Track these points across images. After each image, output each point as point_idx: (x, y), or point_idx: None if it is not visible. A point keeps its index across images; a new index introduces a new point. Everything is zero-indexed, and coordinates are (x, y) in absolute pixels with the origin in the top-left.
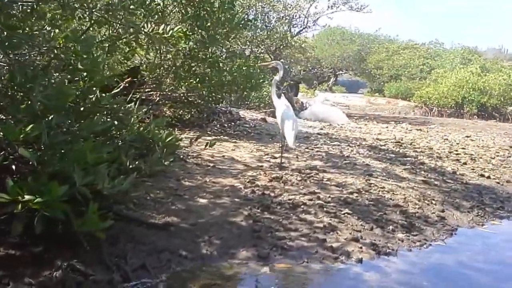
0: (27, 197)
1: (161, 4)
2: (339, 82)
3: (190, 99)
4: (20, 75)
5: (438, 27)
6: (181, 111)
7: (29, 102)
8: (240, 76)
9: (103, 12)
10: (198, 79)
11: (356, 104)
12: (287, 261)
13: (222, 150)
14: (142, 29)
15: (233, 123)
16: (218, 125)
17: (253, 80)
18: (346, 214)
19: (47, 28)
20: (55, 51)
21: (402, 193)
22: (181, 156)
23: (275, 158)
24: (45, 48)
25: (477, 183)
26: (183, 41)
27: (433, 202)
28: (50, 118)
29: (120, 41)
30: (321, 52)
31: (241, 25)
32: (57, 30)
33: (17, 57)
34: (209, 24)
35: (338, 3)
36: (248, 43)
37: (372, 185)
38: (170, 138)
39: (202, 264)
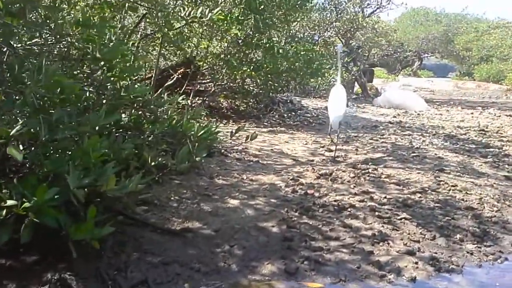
0: (9, 202)
1: None
2: (426, 66)
3: (247, 89)
4: (19, 65)
5: None
6: (238, 101)
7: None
8: (298, 62)
9: None
10: (252, 67)
11: (442, 89)
12: (320, 279)
13: (274, 143)
14: (175, 13)
15: (293, 113)
16: (276, 116)
17: (314, 65)
18: (403, 220)
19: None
20: (70, 39)
21: (478, 193)
22: (222, 151)
23: (331, 151)
24: (58, 37)
25: None
26: (234, 27)
27: None
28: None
29: (172, 31)
30: (404, 34)
31: (297, 6)
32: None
33: (25, 47)
34: (262, 7)
35: None
36: (316, 27)
37: (441, 182)
38: (203, 131)
39: (216, 278)
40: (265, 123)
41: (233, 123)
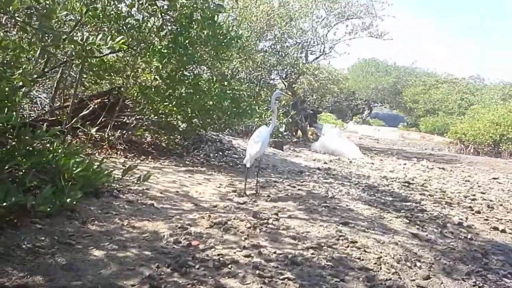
0: None
1: (139, 19)
2: (378, 115)
3: (173, 124)
4: None
5: (479, 63)
6: (161, 137)
7: None
8: (224, 101)
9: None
10: (174, 102)
11: (388, 138)
12: None
13: (184, 184)
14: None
15: (220, 153)
16: (202, 155)
17: (242, 105)
18: (285, 280)
19: None
20: None
21: (377, 251)
22: (114, 191)
23: (242, 196)
24: None
25: (486, 239)
26: (155, 59)
27: (418, 264)
28: None
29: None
30: (355, 83)
31: (223, 44)
32: None
33: None
34: (188, 41)
35: (357, 30)
36: (259, 69)
37: (341, 238)
38: (80, 168)
39: None
40: (186, 162)
41: (151, 160)
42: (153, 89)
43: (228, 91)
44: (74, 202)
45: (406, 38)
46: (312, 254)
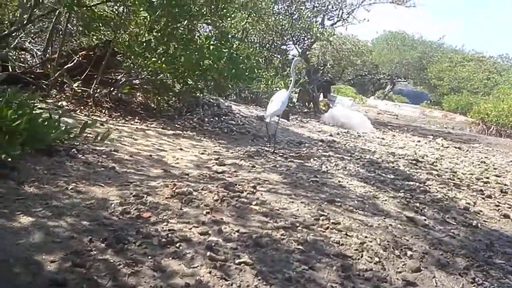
0: None
1: None
2: (403, 91)
3: (165, 84)
4: None
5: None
6: (154, 97)
7: None
8: (219, 60)
9: None
10: (164, 59)
11: (408, 115)
12: None
13: (163, 148)
14: None
15: (216, 118)
16: (195, 119)
17: (243, 67)
18: (242, 265)
19: None
20: None
21: (362, 235)
22: (73, 150)
23: (224, 165)
24: None
25: (493, 228)
26: (142, 9)
27: (409, 253)
28: None
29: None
30: (379, 57)
31: None
32: None
33: None
34: None
35: None
36: (270, 32)
37: (321, 218)
38: (20, 121)
39: None
40: (176, 125)
41: (138, 121)
42: (142, 44)
43: (224, 50)
44: (10, 159)
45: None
46: (282, 235)
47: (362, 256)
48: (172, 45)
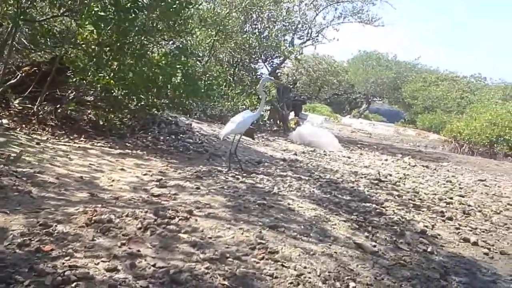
0: None
1: None
2: (380, 111)
3: (118, 101)
4: None
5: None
6: (103, 115)
7: None
8: (174, 77)
9: None
10: (112, 75)
11: (381, 133)
12: None
13: (100, 169)
14: None
15: (173, 136)
16: (150, 137)
17: (201, 84)
18: None
19: None
20: None
21: (301, 266)
22: None
23: (164, 187)
24: None
25: (451, 254)
26: (88, 24)
27: (351, 285)
28: None
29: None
30: (355, 76)
31: (172, 10)
32: None
33: None
34: (129, 4)
35: (347, 13)
36: (238, 50)
37: (259, 245)
38: None
39: None
40: (127, 144)
41: (83, 139)
42: (91, 59)
43: (177, 66)
44: None
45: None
46: (207, 268)
47: None
48: (123, 61)
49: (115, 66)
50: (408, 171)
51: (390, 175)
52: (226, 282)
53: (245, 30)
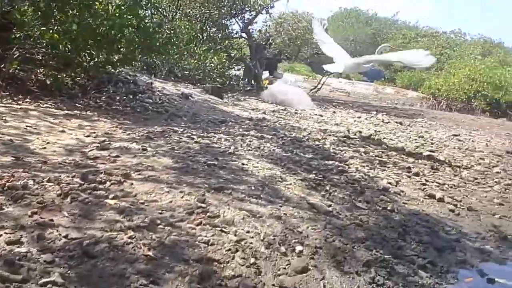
0: None
1: None
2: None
3: (72, 58)
4: None
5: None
6: (56, 74)
7: None
8: (125, 29)
9: None
10: (56, 29)
11: (360, 92)
12: None
13: (37, 131)
14: None
15: (131, 96)
16: (104, 97)
17: (159, 37)
18: (50, 286)
19: None
20: None
21: (243, 230)
22: None
23: (106, 149)
24: None
25: (413, 211)
26: None
27: (298, 249)
28: None
29: None
30: (334, 34)
31: None
32: None
33: None
34: None
35: None
36: (207, 4)
37: (198, 209)
38: None
39: None
40: (77, 105)
41: (29, 100)
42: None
43: (128, 17)
44: None
45: None
46: (130, 237)
47: (232, 259)
48: (66, 12)
49: (59, 18)
50: (381, 127)
51: (360, 132)
52: (150, 253)
53: None
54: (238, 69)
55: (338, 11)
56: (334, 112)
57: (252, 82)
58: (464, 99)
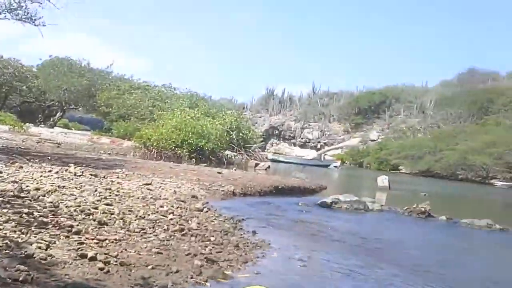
0: None
1: None
2: (83, 119)
3: None
4: None
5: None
6: None
7: None
8: None
9: None
10: None
11: (74, 142)
12: None
13: None
14: None
15: None
16: None
17: None
18: None
19: None
20: None
21: None
22: None
23: None
24: None
25: (54, 276)
26: None
27: None
28: None
29: None
30: (46, 82)
31: None
32: None
33: None
34: None
35: (2, 9)
36: None
37: None
38: None
39: None
40: None
41: None
42: None
43: None
44: None
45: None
46: None
47: None
48: None
49: None
50: (69, 182)
51: (38, 189)
52: None
53: None
54: None
55: (49, 59)
56: (21, 167)
57: None
58: (173, 147)
